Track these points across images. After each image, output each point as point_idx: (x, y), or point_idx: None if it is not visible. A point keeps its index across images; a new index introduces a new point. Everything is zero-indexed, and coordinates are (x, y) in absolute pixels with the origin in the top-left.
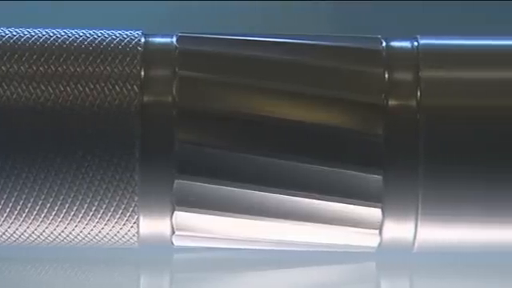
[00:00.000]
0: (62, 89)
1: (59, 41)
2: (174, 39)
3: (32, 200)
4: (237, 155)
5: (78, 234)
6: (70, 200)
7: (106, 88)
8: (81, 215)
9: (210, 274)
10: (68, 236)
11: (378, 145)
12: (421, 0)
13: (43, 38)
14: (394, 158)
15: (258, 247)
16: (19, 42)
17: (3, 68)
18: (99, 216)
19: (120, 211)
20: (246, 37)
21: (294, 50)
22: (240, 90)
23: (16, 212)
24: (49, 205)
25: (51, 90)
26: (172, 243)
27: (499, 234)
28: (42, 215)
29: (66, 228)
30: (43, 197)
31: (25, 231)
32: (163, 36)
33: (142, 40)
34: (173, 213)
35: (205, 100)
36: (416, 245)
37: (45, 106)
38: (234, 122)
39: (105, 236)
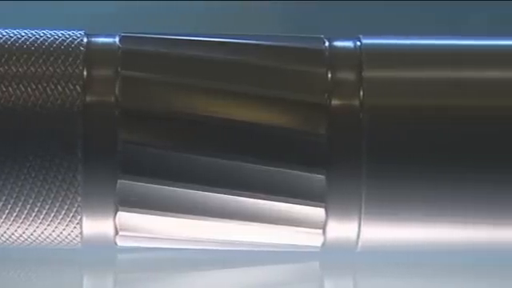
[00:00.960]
0: (4, 89)
1: (1, 41)
2: (117, 39)
3: None
4: (180, 155)
5: (21, 235)
6: (12, 201)
7: (48, 88)
8: (23, 216)
9: (154, 274)
10: (11, 236)
11: (321, 144)
12: (369, 0)
13: None
14: (337, 158)
15: (202, 247)
16: None
17: None
18: (42, 217)
19: (63, 212)
20: (190, 37)
21: (238, 50)
22: (183, 90)
23: None
24: None
25: None
26: (115, 243)
27: (441, 234)
28: None
29: (8, 228)
30: None
31: None
32: (106, 36)
33: (85, 40)
34: (116, 213)
35: (148, 100)
36: (359, 244)
37: None
38: (176, 122)
39: (48, 237)
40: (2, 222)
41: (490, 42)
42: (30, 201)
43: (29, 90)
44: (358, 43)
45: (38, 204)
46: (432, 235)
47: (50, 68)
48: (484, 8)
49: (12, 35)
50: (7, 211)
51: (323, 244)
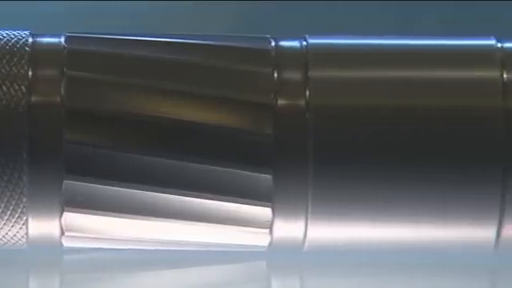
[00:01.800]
0: None
1: None
2: (63, 39)
3: None
4: (125, 155)
5: None
6: None
7: None
8: None
9: (101, 275)
10: None
11: (267, 144)
12: (323, 0)
13: None
14: (283, 158)
15: (148, 247)
16: None
17: None
18: None
19: (8, 212)
20: (137, 37)
21: (184, 50)
22: (129, 90)
23: None
24: None
25: None
26: (61, 244)
27: (387, 233)
28: None
29: None
30: None
31: None
32: (51, 36)
33: (30, 40)
34: (62, 214)
35: (93, 100)
36: (306, 244)
37: None
38: (122, 122)
39: None
40: None
41: (437, 41)
42: None
43: None
44: (304, 43)
45: None
46: (378, 235)
47: None
48: (434, 8)
49: None
50: None
51: (270, 244)
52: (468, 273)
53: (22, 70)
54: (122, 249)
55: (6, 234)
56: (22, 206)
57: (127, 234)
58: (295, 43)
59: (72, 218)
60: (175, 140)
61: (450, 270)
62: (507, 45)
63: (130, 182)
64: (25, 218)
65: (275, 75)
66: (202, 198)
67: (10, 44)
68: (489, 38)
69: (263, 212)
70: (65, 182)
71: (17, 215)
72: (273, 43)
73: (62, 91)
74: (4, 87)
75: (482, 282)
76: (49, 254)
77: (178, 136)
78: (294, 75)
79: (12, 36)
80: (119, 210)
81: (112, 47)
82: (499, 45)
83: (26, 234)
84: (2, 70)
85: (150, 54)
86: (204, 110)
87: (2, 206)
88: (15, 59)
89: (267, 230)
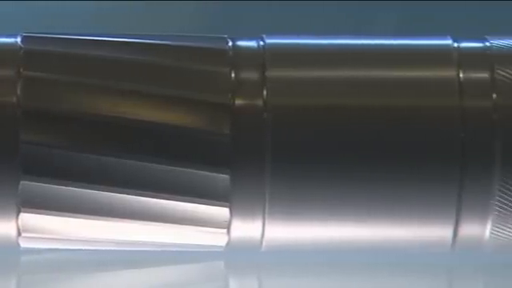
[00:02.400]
0: None
1: None
2: (19, 39)
3: None
4: (82, 156)
5: None
6: None
7: None
8: None
9: (59, 275)
10: None
11: (224, 144)
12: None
13: None
14: (241, 158)
15: (106, 248)
16: None
17: None
18: None
19: None
20: (94, 37)
21: (142, 50)
22: (86, 91)
23: None
24: None
25: None
26: (18, 245)
27: (345, 233)
28: None
29: None
30: None
31: None
32: (8, 36)
33: None
34: (18, 214)
35: (50, 100)
36: (264, 244)
37: None
38: (79, 123)
39: None
40: None
41: (394, 41)
42: None
43: None
44: (262, 43)
45: None
46: (335, 234)
47: None
48: (392, 8)
49: None
50: None
51: (228, 243)
52: (426, 272)
53: None
54: (80, 249)
55: None
56: None
57: (84, 234)
58: (252, 43)
59: (29, 218)
60: (132, 140)
61: (408, 270)
62: (464, 44)
63: (87, 182)
64: None
65: (232, 75)
66: (159, 198)
67: None
68: (445, 38)
69: (221, 212)
70: (21, 182)
71: None
72: (230, 43)
73: (19, 91)
74: None
75: (439, 281)
76: (5, 255)
77: (135, 136)
78: (252, 75)
79: None
80: (76, 211)
81: (69, 47)
82: (456, 44)
83: None
84: None
85: (107, 53)
86: (161, 110)
87: None
88: None
89: (225, 230)
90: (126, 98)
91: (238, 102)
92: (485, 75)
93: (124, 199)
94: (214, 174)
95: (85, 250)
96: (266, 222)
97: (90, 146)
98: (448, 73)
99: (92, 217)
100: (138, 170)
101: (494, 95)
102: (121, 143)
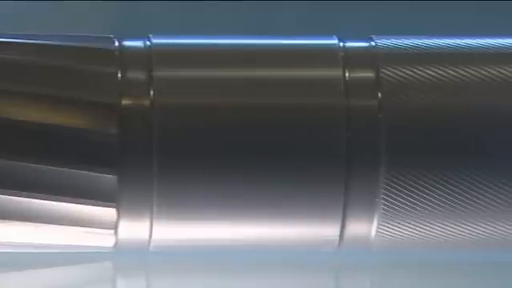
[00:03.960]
0: None
1: None
2: None
3: None
4: None
5: None
6: None
7: None
8: None
9: None
10: None
11: (111, 145)
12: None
13: None
14: (128, 158)
15: None
16: None
17: None
18: None
19: None
20: None
21: (27, 50)
22: None
23: None
24: None
25: None
26: None
27: (233, 232)
28: None
29: None
30: None
31: None
32: None
33: None
34: None
35: None
36: (152, 244)
37: None
38: None
39: None
40: None
41: (281, 41)
42: None
43: None
44: (148, 43)
45: None
46: (224, 234)
47: None
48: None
49: None
50: None
51: (115, 244)
52: (314, 271)
53: None
54: None
55: None
56: None
57: None
58: (139, 43)
59: None
60: (17, 141)
61: (296, 269)
62: (349, 44)
63: None
64: None
65: (119, 75)
66: (45, 199)
67: None
68: (331, 38)
69: (108, 213)
70: None
71: None
72: (116, 43)
73: None
74: None
75: (326, 280)
76: None
77: (20, 137)
78: (139, 75)
79: None
80: None
81: None
82: (341, 44)
83: None
84: None
85: None
86: (47, 110)
87: None
88: None
89: (112, 231)
90: (10, 98)
91: (125, 102)
92: (370, 74)
93: (7, 200)
94: (101, 175)
95: None
96: (154, 222)
97: None
98: (334, 72)
99: None
100: (23, 171)
101: (379, 94)
102: (4, 144)
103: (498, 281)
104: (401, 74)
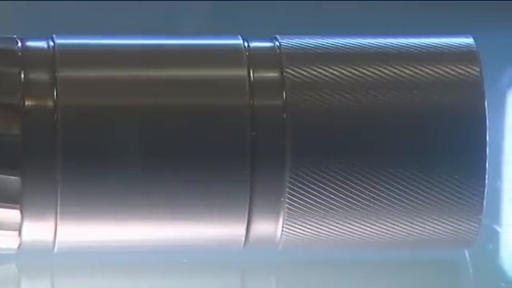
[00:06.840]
0: None
1: None
2: None
3: None
4: None
5: None
6: None
7: None
8: None
9: None
10: None
11: (15, 146)
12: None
13: None
14: (31, 159)
15: None
16: None
17: None
18: None
19: None
20: None
21: None
22: None
23: None
24: None
25: None
26: None
27: (139, 232)
28: None
29: None
30: None
31: None
32: None
33: None
34: None
35: None
36: (57, 245)
37: None
38: None
39: None
40: None
41: (185, 41)
42: None
43: None
44: (52, 43)
45: None
46: (129, 234)
47: None
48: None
49: None
50: None
51: (20, 246)
52: (219, 271)
53: None
54: None
55: None
56: None
57: None
58: (42, 43)
59: None
60: None
61: (202, 269)
62: (254, 44)
63: None
64: None
65: (22, 76)
66: None
67: None
68: (236, 38)
69: (11, 214)
70: None
71: None
72: (19, 43)
73: None
74: None
75: (232, 280)
76: None
77: None
78: (42, 76)
79: None
80: None
81: None
82: (246, 44)
83: None
84: None
85: None
86: None
87: None
88: None
89: (16, 233)
90: None
91: (28, 102)
92: (274, 74)
93: None
94: (4, 176)
95: None
96: (58, 223)
97: None
98: (239, 72)
99: None
100: None
101: (284, 94)
102: None
103: (404, 279)
104: (305, 73)
